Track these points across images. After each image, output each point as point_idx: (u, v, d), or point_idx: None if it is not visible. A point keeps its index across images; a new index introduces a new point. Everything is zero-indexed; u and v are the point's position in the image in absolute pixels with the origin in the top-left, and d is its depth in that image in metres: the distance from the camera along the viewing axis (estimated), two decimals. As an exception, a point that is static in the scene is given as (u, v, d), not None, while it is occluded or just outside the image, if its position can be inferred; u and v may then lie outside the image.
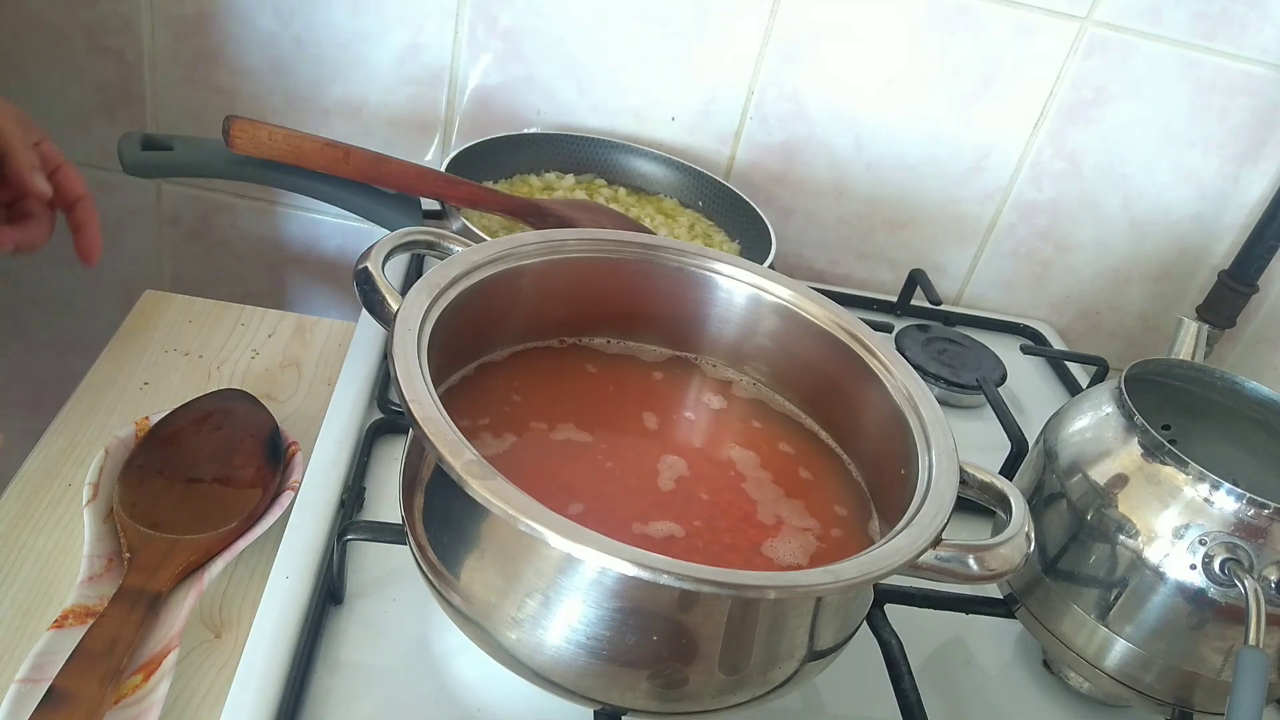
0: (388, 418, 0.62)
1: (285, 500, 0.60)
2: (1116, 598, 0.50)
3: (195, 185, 0.89)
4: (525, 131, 0.86)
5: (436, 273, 0.48)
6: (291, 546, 0.52)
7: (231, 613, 0.56)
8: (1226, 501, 0.47)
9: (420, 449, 0.45)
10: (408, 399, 0.40)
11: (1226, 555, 0.47)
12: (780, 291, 0.55)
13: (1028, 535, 0.42)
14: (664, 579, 0.36)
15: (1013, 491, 0.45)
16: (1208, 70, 0.85)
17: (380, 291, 0.46)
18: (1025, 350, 0.88)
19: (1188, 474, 0.48)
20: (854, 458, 0.54)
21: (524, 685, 0.43)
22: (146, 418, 0.63)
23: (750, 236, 0.81)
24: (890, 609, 0.54)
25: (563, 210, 0.75)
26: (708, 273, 0.56)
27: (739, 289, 0.56)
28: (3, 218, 0.61)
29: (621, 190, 0.86)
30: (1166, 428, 0.58)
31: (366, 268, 0.47)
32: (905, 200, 0.92)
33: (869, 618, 0.52)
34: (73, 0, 0.79)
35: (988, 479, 0.46)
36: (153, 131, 0.85)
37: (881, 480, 0.51)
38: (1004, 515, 0.44)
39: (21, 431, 1.03)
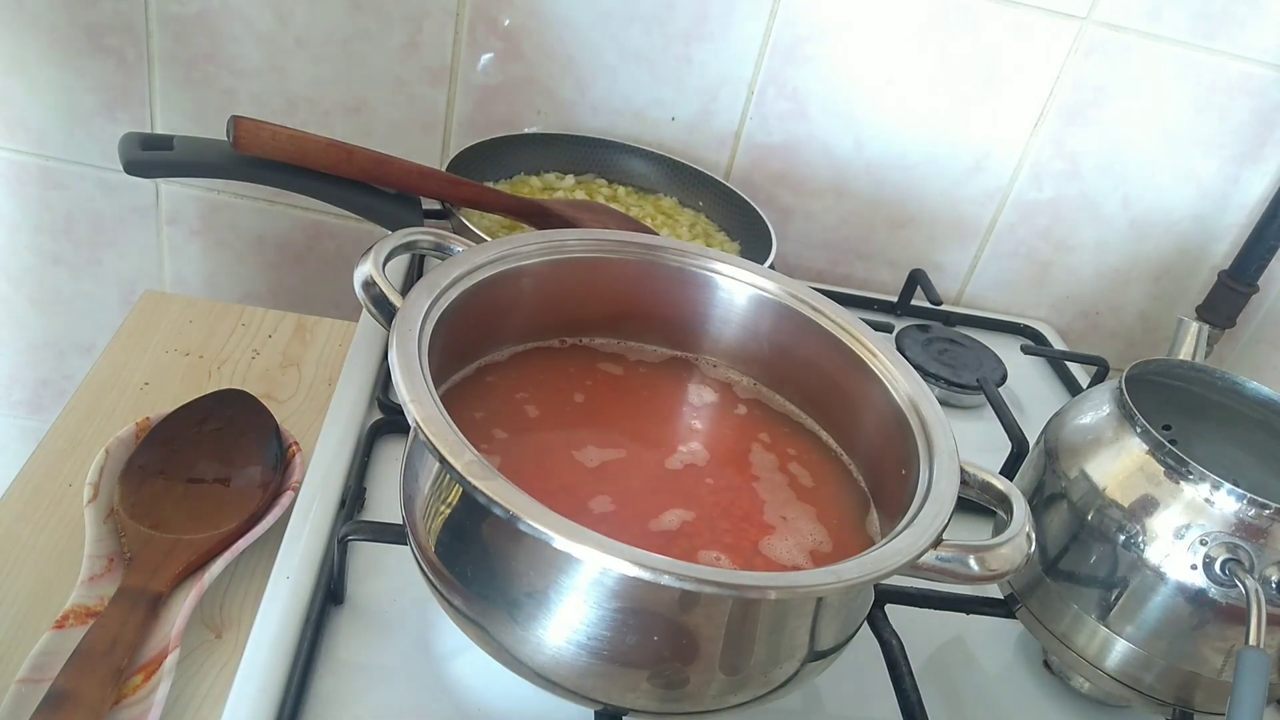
0: (388, 418, 0.62)
1: (285, 500, 0.60)
2: (1117, 598, 0.50)
3: (195, 185, 0.89)
4: (525, 131, 0.86)
5: (437, 273, 0.48)
6: (292, 547, 0.52)
7: (232, 613, 0.56)
8: (1227, 502, 0.47)
9: (421, 449, 0.45)
10: (408, 399, 0.40)
11: (1227, 555, 0.47)
12: (780, 292, 0.55)
13: (1028, 535, 0.42)
14: (664, 579, 0.36)
15: (1013, 492, 0.45)
16: (1208, 70, 0.85)
17: (381, 292, 0.46)
18: (1025, 350, 0.88)
19: (1188, 474, 0.48)
20: (854, 458, 0.54)
21: (524, 685, 0.43)
22: (147, 418, 0.63)
23: (750, 236, 0.81)
24: (891, 609, 0.54)
25: (566, 211, 0.75)
26: (708, 273, 0.56)
27: (739, 289, 0.56)
28: None
29: (621, 190, 0.86)
30: (1167, 428, 0.58)
31: (367, 268, 0.47)
32: (905, 200, 0.92)
33: (870, 618, 0.52)
34: (72, 0, 0.79)
35: (988, 479, 0.46)
36: (153, 131, 0.86)
37: (882, 480, 0.51)
38: (1004, 515, 0.44)
39: (22, 431, 1.03)
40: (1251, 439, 0.56)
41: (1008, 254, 0.96)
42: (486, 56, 0.83)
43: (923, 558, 0.40)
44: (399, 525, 0.47)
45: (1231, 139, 0.89)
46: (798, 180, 0.90)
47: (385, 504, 0.57)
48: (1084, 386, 0.85)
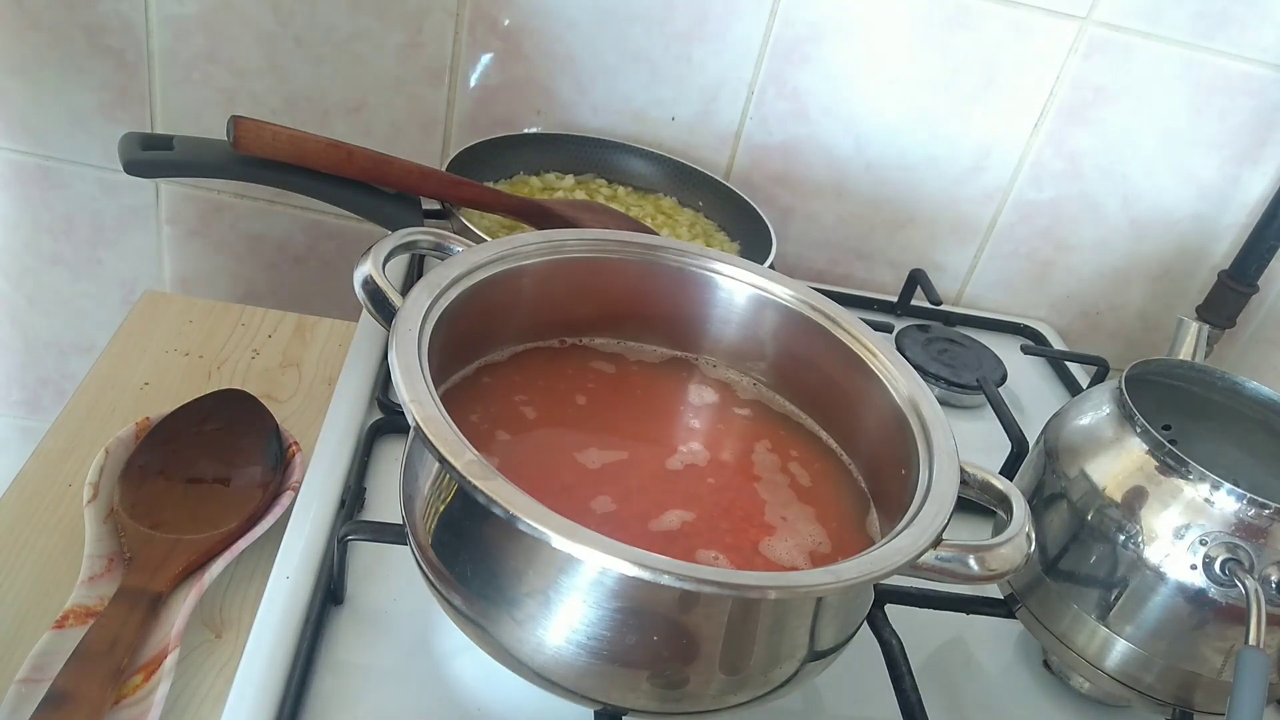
0: (388, 418, 0.62)
1: (285, 500, 0.60)
2: (1117, 598, 0.50)
3: (195, 185, 0.89)
4: (525, 131, 0.86)
5: (437, 273, 0.48)
6: (292, 547, 0.52)
7: (232, 613, 0.56)
8: (1227, 501, 0.47)
9: (421, 449, 0.45)
10: (408, 399, 0.40)
11: (1227, 555, 0.47)
12: (781, 291, 0.55)
13: (1028, 535, 0.42)
14: (664, 579, 0.36)
15: (1013, 491, 0.45)
16: (1208, 70, 0.85)
17: (381, 292, 0.46)
18: (1025, 350, 0.88)
19: (1188, 474, 0.48)
20: (854, 458, 0.54)
21: (524, 685, 0.43)
22: (147, 418, 0.63)
23: (750, 236, 0.81)
24: (891, 609, 0.54)
25: (566, 211, 0.75)
26: (708, 273, 0.56)
27: (739, 289, 0.56)
28: None
29: (621, 190, 0.86)
30: (1167, 428, 0.58)
31: (367, 268, 0.47)
32: (905, 200, 0.92)
33: (869, 618, 0.52)
34: (73, 0, 0.79)
35: (988, 479, 0.46)
36: (153, 131, 0.86)
37: (882, 480, 0.51)
38: (1004, 515, 0.44)
39: (21, 431, 1.03)
40: (1251, 439, 0.56)
41: (1008, 254, 0.96)
42: (485, 58, 0.83)
43: (923, 558, 0.40)
44: (399, 525, 0.47)
45: (1231, 139, 0.89)
46: (798, 180, 0.90)
47: (385, 504, 0.57)
48: (1084, 386, 0.85)
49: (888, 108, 0.87)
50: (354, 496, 0.56)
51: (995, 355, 0.84)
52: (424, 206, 0.71)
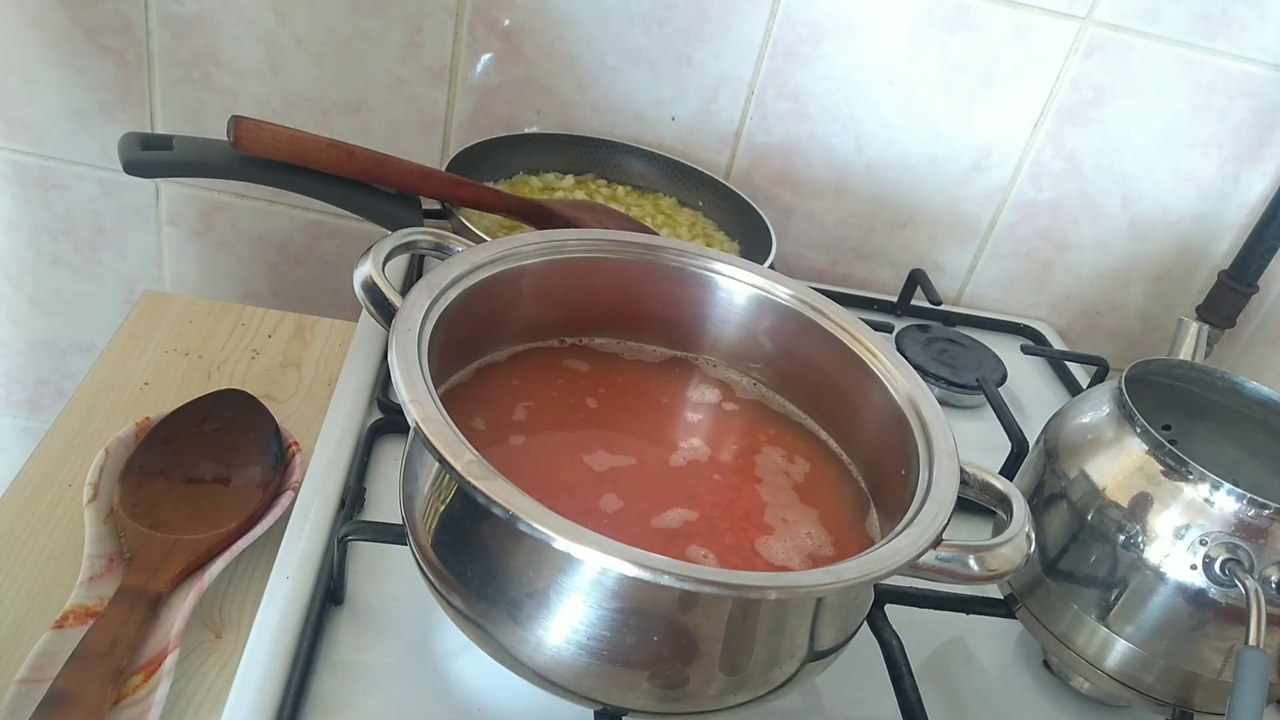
0: (388, 418, 0.62)
1: (285, 500, 0.60)
2: (1117, 598, 0.50)
3: (195, 185, 0.89)
4: (525, 131, 0.86)
5: (437, 273, 0.48)
6: (291, 547, 0.52)
7: (232, 613, 0.56)
8: (1227, 502, 0.47)
9: (420, 449, 0.45)
10: (408, 399, 0.40)
11: (1227, 555, 0.47)
12: (780, 291, 0.55)
13: (1028, 535, 0.42)
14: (664, 579, 0.36)
15: (1013, 492, 0.45)
16: (1208, 70, 0.85)
17: (380, 292, 0.46)
18: (1025, 350, 0.88)
19: (1188, 474, 0.48)
20: (854, 458, 0.54)
21: (524, 685, 0.43)
22: (147, 418, 0.63)
23: (750, 236, 0.81)
24: (891, 609, 0.54)
25: (567, 211, 0.75)
26: (708, 273, 0.56)
27: (739, 289, 0.56)
28: None
29: (621, 190, 0.86)
30: (1167, 428, 0.58)
31: (367, 268, 0.47)
32: (905, 200, 0.92)
33: (869, 618, 0.52)
34: (73, 0, 0.79)
35: (988, 479, 0.46)
36: (153, 131, 0.86)
37: (882, 480, 0.51)
38: (1004, 515, 0.44)
39: (21, 431, 1.03)
40: (1251, 439, 0.56)
41: (1008, 254, 0.96)
42: (485, 58, 0.83)
43: (922, 558, 0.40)
44: (399, 525, 0.47)
45: (1231, 139, 0.89)
46: (798, 180, 0.90)
47: (385, 504, 0.57)
48: (1084, 386, 0.85)
49: (888, 108, 0.87)
50: (354, 496, 0.56)
51: (995, 355, 0.84)
52: (424, 206, 0.71)
